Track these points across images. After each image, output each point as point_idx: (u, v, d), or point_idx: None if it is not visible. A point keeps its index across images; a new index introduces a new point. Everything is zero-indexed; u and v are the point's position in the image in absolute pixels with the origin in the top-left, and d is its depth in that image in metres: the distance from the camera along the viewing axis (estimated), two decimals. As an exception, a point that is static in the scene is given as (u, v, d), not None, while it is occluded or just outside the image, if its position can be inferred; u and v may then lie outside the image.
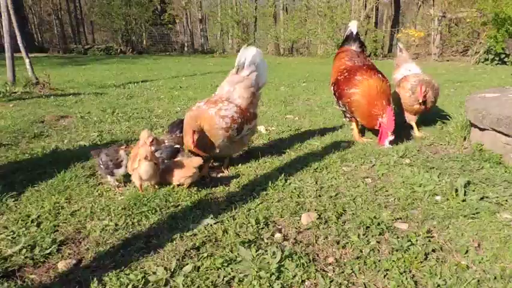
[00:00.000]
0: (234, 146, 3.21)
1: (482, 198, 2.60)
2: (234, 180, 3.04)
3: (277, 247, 2.05)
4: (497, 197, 2.60)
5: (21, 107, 5.75)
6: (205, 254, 2.01)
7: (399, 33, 20.21)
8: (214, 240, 2.17)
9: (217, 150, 3.14)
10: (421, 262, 1.94)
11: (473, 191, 2.72)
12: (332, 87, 4.33)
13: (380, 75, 3.96)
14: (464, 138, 3.90)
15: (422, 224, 2.33)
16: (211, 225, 2.31)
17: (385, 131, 3.77)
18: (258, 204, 2.60)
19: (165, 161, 2.91)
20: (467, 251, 2.04)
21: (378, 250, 2.06)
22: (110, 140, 4.09)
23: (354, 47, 4.42)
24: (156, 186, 2.83)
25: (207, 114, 3.06)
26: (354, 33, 4.43)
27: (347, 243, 2.13)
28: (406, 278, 1.82)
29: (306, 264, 1.92)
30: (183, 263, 1.95)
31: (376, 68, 4.18)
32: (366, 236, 2.18)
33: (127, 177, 2.93)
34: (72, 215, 2.47)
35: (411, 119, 4.37)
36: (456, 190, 2.66)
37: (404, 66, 4.73)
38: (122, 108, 5.81)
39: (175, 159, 2.93)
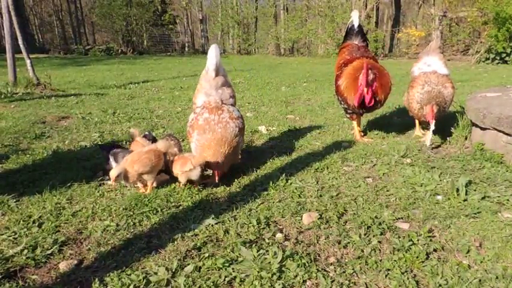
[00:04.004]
0: (242, 143, 3.33)
1: (483, 198, 2.59)
2: (235, 180, 3.04)
3: (278, 247, 2.05)
4: (499, 197, 2.60)
5: (23, 108, 5.76)
6: (206, 254, 2.01)
7: (400, 33, 20.22)
8: (215, 240, 2.17)
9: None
10: (423, 262, 1.94)
11: (475, 190, 2.72)
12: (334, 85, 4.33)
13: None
14: (466, 138, 3.89)
15: (424, 223, 2.33)
16: (212, 225, 2.31)
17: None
18: (259, 204, 2.60)
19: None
20: (468, 251, 2.04)
21: (379, 250, 2.06)
22: (111, 141, 4.09)
23: (356, 41, 4.36)
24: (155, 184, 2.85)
25: (225, 124, 2.97)
26: (356, 26, 4.36)
27: (348, 243, 2.12)
28: (408, 278, 1.82)
29: (307, 264, 1.92)
30: (185, 263, 1.95)
31: (375, 59, 4.14)
32: (367, 236, 2.18)
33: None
34: (73, 215, 2.47)
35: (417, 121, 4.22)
36: (457, 190, 2.66)
37: (424, 60, 4.09)
38: (123, 109, 5.82)
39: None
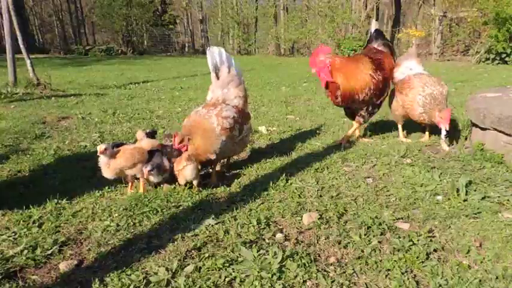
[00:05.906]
0: (236, 147, 3.20)
1: (483, 198, 2.59)
2: (235, 180, 3.04)
3: (278, 247, 2.05)
4: (499, 197, 2.60)
5: (23, 108, 5.76)
6: (206, 255, 2.01)
7: (400, 33, 20.21)
8: (215, 240, 2.17)
9: (218, 152, 3.02)
10: (423, 262, 1.94)
11: (475, 190, 2.71)
12: None
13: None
14: (466, 138, 3.90)
15: (424, 223, 2.33)
16: (212, 225, 2.31)
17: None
18: (259, 205, 2.60)
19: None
20: (469, 251, 2.04)
21: (380, 250, 2.06)
22: (111, 141, 4.09)
23: (376, 44, 4.35)
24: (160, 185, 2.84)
25: (207, 118, 2.98)
26: (372, 31, 4.41)
27: (348, 243, 2.12)
28: (408, 278, 1.82)
29: (307, 265, 1.92)
30: (185, 264, 1.95)
31: (383, 59, 4.13)
32: (368, 236, 2.18)
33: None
34: (73, 215, 2.47)
35: (399, 120, 4.14)
36: (457, 190, 2.66)
37: (405, 64, 4.13)
38: (123, 109, 5.82)
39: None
